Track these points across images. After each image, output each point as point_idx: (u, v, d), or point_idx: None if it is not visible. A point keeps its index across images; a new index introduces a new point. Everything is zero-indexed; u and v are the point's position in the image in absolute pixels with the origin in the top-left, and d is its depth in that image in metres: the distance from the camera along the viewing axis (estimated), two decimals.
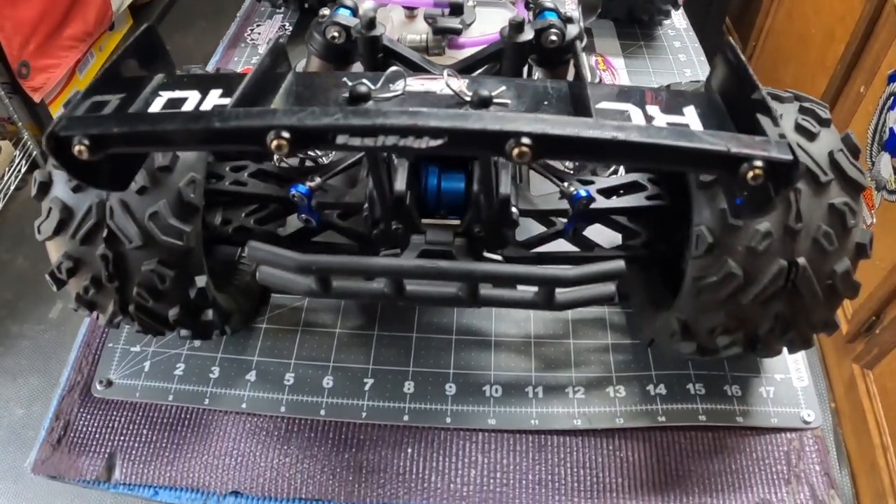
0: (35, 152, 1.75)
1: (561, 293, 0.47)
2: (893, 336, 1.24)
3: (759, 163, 0.34)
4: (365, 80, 0.44)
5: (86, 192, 0.52)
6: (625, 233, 0.62)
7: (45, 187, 0.53)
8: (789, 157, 0.34)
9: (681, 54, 1.01)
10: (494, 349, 0.66)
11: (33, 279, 1.65)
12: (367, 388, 0.64)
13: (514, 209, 0.54)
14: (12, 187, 1.72)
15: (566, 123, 0.34)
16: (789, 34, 1.71)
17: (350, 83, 0.45)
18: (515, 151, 0.33)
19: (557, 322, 0.68)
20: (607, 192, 0.59)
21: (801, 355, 0.66)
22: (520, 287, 0.46)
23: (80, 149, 0.36)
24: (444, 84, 0.44)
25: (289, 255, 0.45)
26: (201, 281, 0.54)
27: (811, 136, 0.50)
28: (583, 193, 0.55)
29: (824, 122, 0.51)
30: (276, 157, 0.34)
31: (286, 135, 0.34)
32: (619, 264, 0.46)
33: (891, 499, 1.19)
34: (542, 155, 0.34)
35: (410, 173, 0.53)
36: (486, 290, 0.47)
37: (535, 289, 0.47)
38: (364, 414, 0.62)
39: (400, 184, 0.52)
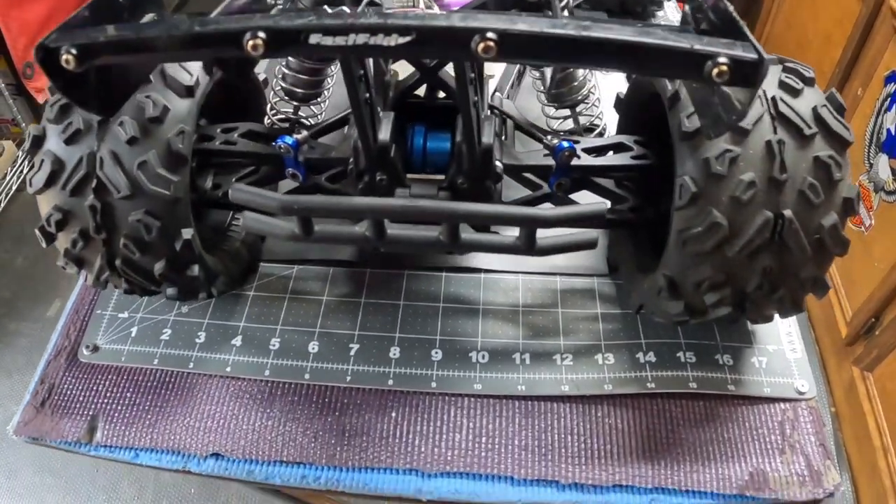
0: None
1: (542, 238, 0.46)
2: (893, 337, 1.23)
3: (723, 59, 0.34)
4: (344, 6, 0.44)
5: (78, 144, 0.52)
6: (612, 198, 0.62)
7: (38, 141, 0.54)
8: (754, 55, 0.34)
9: None
10: (482, 317, 0.66)
11: (32, 279, 1.66)
12: (352, 353, 0.63)
13: (497, 163, 0.54)
14: (14, 188, 1.73)
15: (531, 22, 0.34)
16: (788, 40, 1.72)
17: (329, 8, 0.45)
18: (481, 46, 0.33)
19: (546, 292, 0.68)
20: (592, 151, 0.59)
21: (794, 327, 0.65)
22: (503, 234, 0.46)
23: (67, 58, 0.37)
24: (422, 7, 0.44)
25: (271, 195, 0.45)
26: (187, 233, 0.54)
27: (795, 93, 0.50)
28: (565, 145, 0.54)
29: (808, 81, 0.51)
30: (252, 55, 0.34)
31: (262, 35, 0.34)
32: (602, 206, 0.45)
33: (892, 501, 1.17)
34: (507, 53, 0.34)
35: (395, 127, 0.53)
36: (467, 234, 0.46)
37: (511, 239, 0.46)
38: (348, 378, 0.62)
39: (384, 133, 0.52)
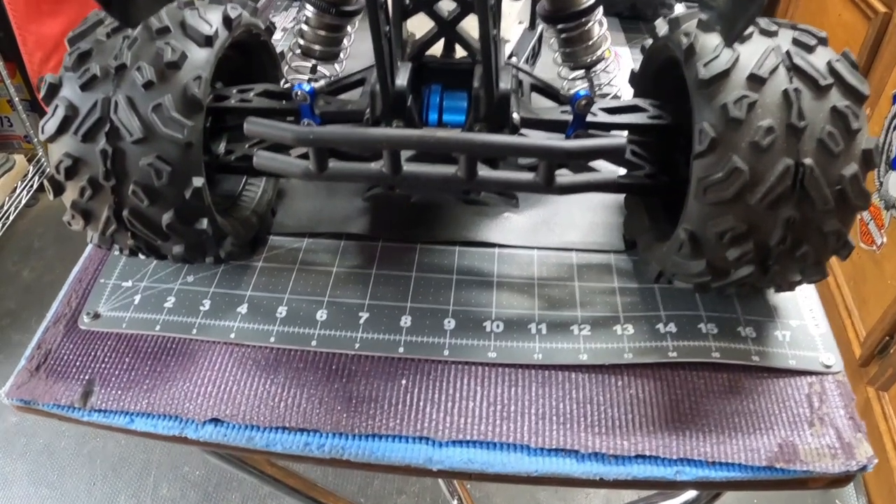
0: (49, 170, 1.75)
1: (562, 175, 0.44)
2: None
3: None
4: None
5: (93, 90, 0.52)
6: (627, 165, 0.60)
7: (53, 89, 0.53)
8: None
9: None
10: (496, 289, 0.63)
11: (37, 291, 1.63)
12: (361, 321, 0.60)
13: (514, 115, 0.52)
14: (23, 202, 1.72)
15: None
16: None
17: None
18: None
19: (562, 266, 0.65)
20: (608, 111, 0.57)
21: (816, 303, 0.62)
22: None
23: None
24: None
25: (286, 126, 0.43)
26: (198, 181, 0.52)
27: (809, 49, 0.50)
28: (582, 93, 0.53)
29: (822, 41, 0.52)
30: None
31: None
32: (622, 138, 0.43)
33: None
34: None
35: (412, 79, 0.52)
36: (484, 171, 0.44)
37: (529, 176, 0.44)
38: (357, 345, 0.59)
39: (402, 79, 0.50)
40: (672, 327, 0.60)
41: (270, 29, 0.64)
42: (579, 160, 0.43)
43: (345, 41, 0.63)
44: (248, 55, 0.64)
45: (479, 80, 0.51)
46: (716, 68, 0.49)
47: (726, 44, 0.48)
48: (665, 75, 0.61)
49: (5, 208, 1.61)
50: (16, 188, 1.70)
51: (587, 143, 0.42)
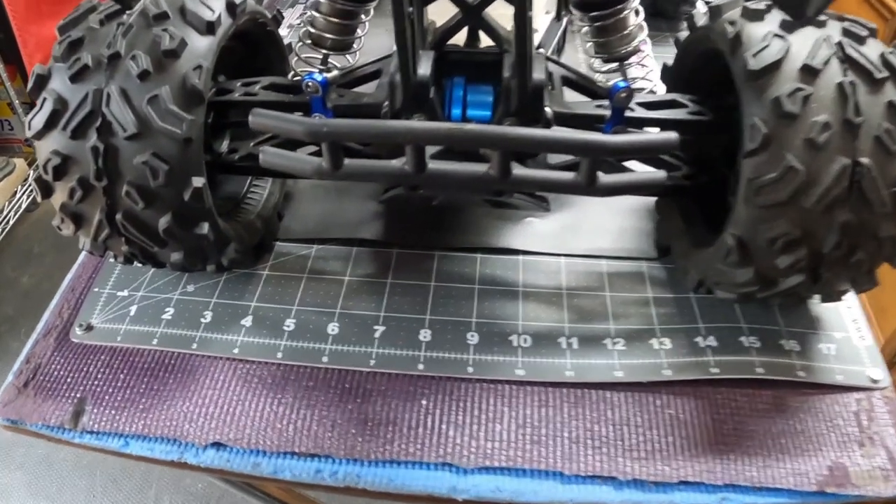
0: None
1: (605, 176, 0.39)
2: None
3: None
4: None
5: (84, 81, 0.47)
6: (664, 166, 0.55)
7: (41, 81, 0.49)
8: None
9: None
10: (522, 299, 0.58)
11: (36, 297, 1.59)
12: (377, 335, 0.55)
13: (547, 109, 0.47)
14: (23, 206, 1.67)
15: None
16: None
17: None
18: None
19: (591, 275, 0.60)
20: (645, 107, 0.52)
21: (860, 314, 0.58)
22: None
23: None
24: None
25: (296, 118, 0.38)
26: (198, 181, 0.47)
27: (860, 40, 0.46)
28: (622, 84, 0.48)
29: (871, 32, 0.48)
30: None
31: None
32: (673, 135, 0.38)
33: None
34: None
35: (435, 70, 0.47)
36: (519, 169, 0.39)
37: (569, 175, 0.39)
38: (372, 362, 0.54)
39: (424, 68, 0.45)
40: (712, 341, 0.55)
41: (277, 18, 0.59)
42: (627, 157, 0.38)
43: (358, 30, 0.58)
44: (253, 47, 0.59)
45: (510, 71, 0.46)
46: (766, 59, 0.45)
47: (804, 16, 0.43)
48: (703, 69, 0.56)
49: (5, 213, 1.56)
50: (16, 192, 1.65)
51: (638, 139, 0.38)
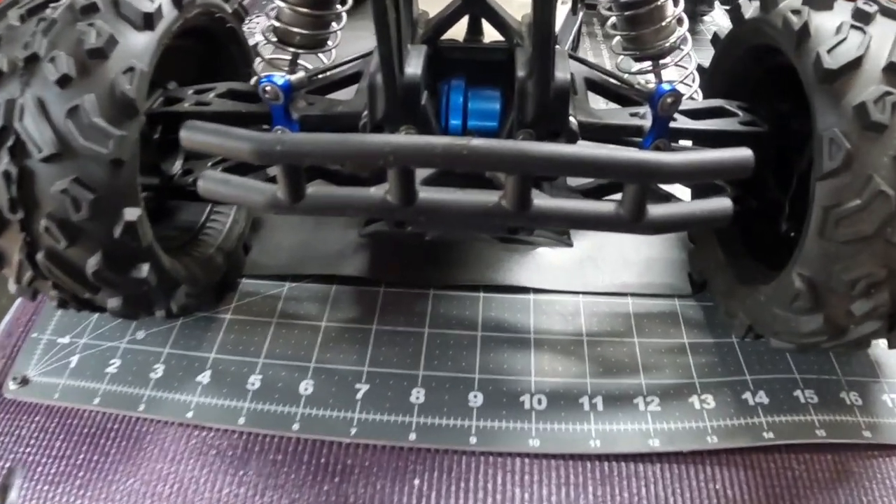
0: None
1: (655, 208, 0.29)
2: None
3: None
4: None
5: None
6: (708, 190, 0.45)
7: None
8: None
9: None
10: (535, 349, 0.48)
11: None
12: (359, 396, 0.45)
13: (571, 118, 0.37)
14: None
15: None
16: None
17: None
18: None
19: (615, 317, 0.50)
20: (690, 115, 0.42)
21: None
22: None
23: None
24: None
25: (241, 132, 0.28)
26: (132, 213, 0.38)
27: None
28: (667, 87, 0.38)
29: None
30: None
31: None
32: (745, 152, 0.28)
33: None
34: None
35: (428, 69, 0.36)
36: (541, 199, 0.29)
37: (609, 206, 0.29)
38: (354, 430, 0.44)
39: (413, 67, 0.35)
40: (763, 397, 0.46)
41: (240, 13, 0.49)
42: (691, 181, 0.28)
43: (334, 23, 0.47)
44: (212, 48, 0.49)
45: (525, 69, 0.36)
46: (844, 56, 0.36)
47: None
48: (748, 70, 0.48)
49: None
50: None
51: (705, 159, 0.28)
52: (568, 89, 0.36)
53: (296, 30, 0.45)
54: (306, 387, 0.46)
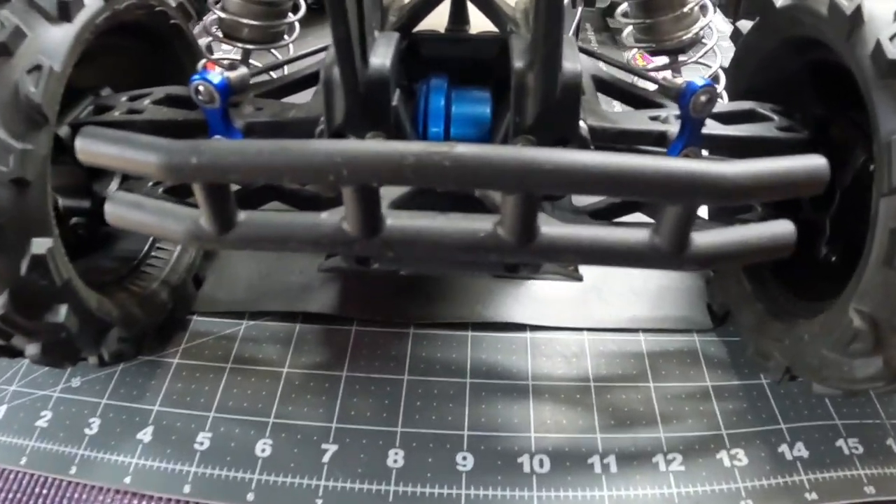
0: None
1: (702, 237, 0.21)
2: None
3: None
4: None
5: None
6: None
7: None
8: None
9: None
10: (534, 398, 0.41)
11: None
12: (326, 458, 0.38)
13: (582, 123, 0.29)
14: None
15: None
16: None
17: None
18: None
19: (626, 358, 0.43)
20: (720, 119, 0.35)
21: None
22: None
23: None
24: None
25: (145, 139, 0.20)
26: (40, 245, 0.32)
27: None
28: (699, 83, 0.30)
29: None
30: None
31: None
32: (819, 160, 0.21)
33: None
34: None
35: (398, 55, 0.29)
36: (550, 227, 0.21)
37: (641, 235, 0.21)
38: (319, 502, 0.36)
39: (381, 57, 0.27)
40: (801, 449, 0.40)
41: (186, 9, 0.41)
42: (755, 200, 0.21)
43: (290, 14, 0.40)
44: (155, 48, 0.42)
45: (524, 59, 0.28)
46: None
47: None
48: (778, 68, 0.41)
49: None
50: None
51: (770, 169, 0.20)
52: (579, 83, 0.29)
53: (245, 21, 0.38)
54: (264, 447, 0.39)
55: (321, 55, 0.36)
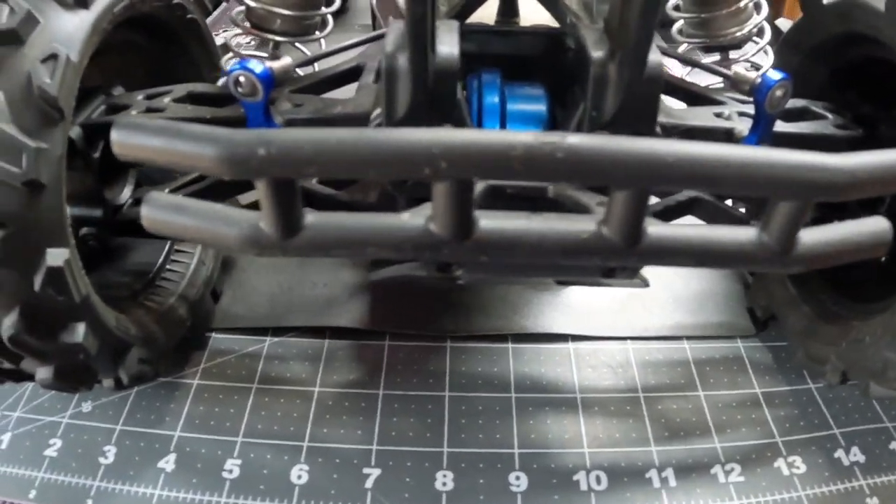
0: None
1: (808, 235, 0.20)
2: None
3: None
4: None
5: None
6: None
7: None
8: None
9: None
10: (583, 412, 0.39)
11: None
12: (369, 483, 0.35)
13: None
14: None
15: None
16: None
17: None
18: None
19: (673, 365, 0.42)
20: (781, 117, 0.33)
21: None
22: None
23: None
24: None
25: (205, 131, 0.17)
26: (56, 256, 0.28)
27: None
28: (776, 77, 0.29)
29: None
30: None
31: None
32: None
33: None
34: None
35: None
36: (656, 227, 0.19)
37: (748, 234, 0.20)
38: None
39: (448, 46, 0.25)
40: (857, 454, 0.38)
41: (204, 3, 0.38)
42: (867, 193, 0.19)
43: (324, 5, 0.37)
44: (169, 45, 0.39)
45: (602, 49, 0.26)
46: None
47: None
48: (822, 66, 0.39)
49: None
50: None
51: (888, 160, 0.18)
52: (662, 74, 0.26)
53: (278, 10, 0.35)
54: (300, 473, 0.36)
55: (358, 53, 0.33)
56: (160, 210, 0.21)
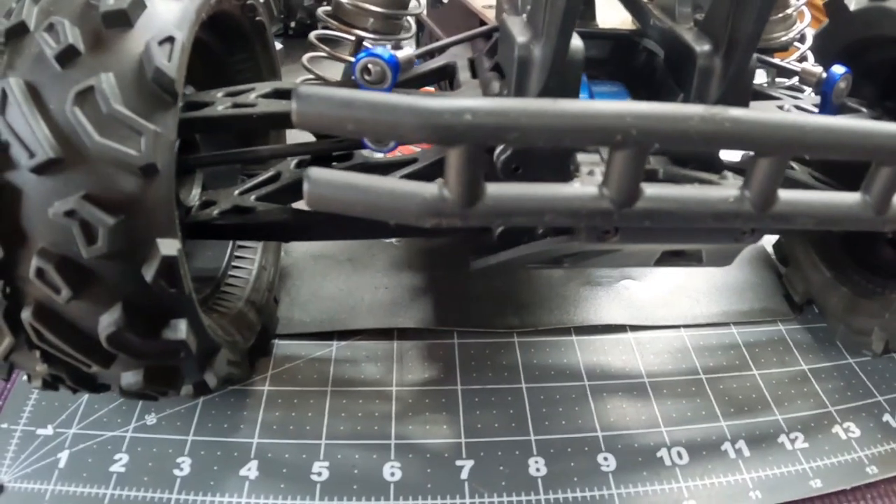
0: None
1: None
2: None
3: None
4: None
5: None
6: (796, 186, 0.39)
7: None
8: None
9: None
10: (654, 394, 0.40)
11: None
12: (464, 474, 0.35)
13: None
14: None
15: None
16: None
17: None
18: None
19: (726, 348, 0.44)
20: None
21: None
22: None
23: None
24: None
25: (400, 100, 0.18)
26: (168, 246, 0.26)
27: None
28: (840, 71, 0.31)
29: None
30: None
31: None
32: None
33: None
34: None
35: None
36: (787, 192, 0.21)
37: (854, 198, 0.23)
38: None
39: (576, 38, 0.27)
40: None
41: (270, 6, 0.39)
42: None
43: (413, 2, 0.37)
44: (236, 47, 0.39)
45: (707, 44, 0.28)
46: None
47: None
48: (861, 57, 0.41)
49: None
50: None
51: None
52: (756, 66, 0.29)
53: (372, 7, 0.35)
54: (392, 470, 0.35)
55: (447, 52, 0.34)
56: (325, 187, 0.21)
